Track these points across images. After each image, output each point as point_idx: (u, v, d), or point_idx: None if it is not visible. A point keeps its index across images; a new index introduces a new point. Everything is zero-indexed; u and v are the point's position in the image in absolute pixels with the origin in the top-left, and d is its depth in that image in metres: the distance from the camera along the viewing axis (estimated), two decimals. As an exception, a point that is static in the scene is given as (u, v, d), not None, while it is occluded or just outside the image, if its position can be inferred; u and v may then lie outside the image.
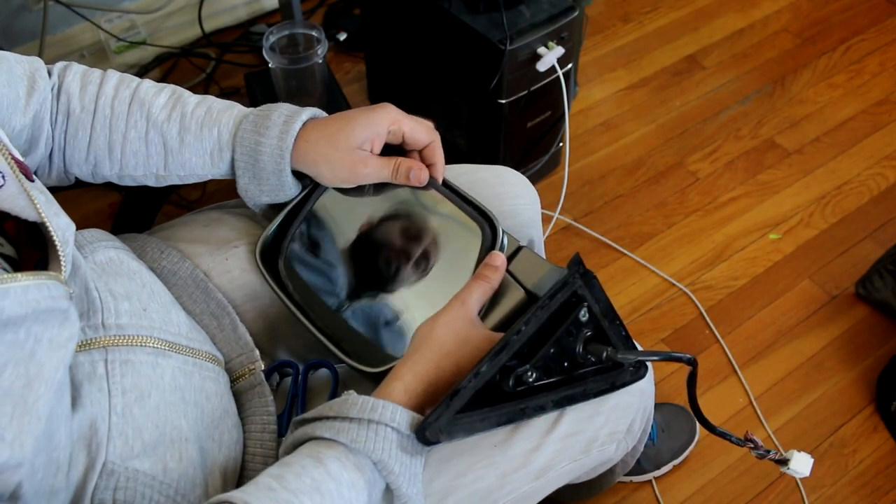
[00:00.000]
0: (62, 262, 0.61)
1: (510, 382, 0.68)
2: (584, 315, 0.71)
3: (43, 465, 0.57)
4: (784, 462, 0.71)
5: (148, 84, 0.82)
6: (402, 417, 0.64)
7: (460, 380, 0.66)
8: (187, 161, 0.81)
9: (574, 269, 0.71)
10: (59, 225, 0.63)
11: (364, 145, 0.78)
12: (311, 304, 0.84)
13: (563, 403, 0.73)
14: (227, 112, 0.81)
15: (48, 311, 0.57)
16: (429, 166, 0.83)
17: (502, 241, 0.78)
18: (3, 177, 0.61)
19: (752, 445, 0.73)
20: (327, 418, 0.64)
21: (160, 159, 0.81)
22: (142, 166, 0.81)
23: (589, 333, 0.72)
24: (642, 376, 0.78)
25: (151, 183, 0.84)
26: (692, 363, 0.69)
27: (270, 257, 0.86)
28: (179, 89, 0.83)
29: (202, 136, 0.80)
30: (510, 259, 0.78)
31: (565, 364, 0.72)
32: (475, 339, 0.70)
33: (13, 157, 0.63)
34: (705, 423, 0.73)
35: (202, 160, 0.81)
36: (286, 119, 0.79)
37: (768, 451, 0.72)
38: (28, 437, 0.54)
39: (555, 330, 0.70)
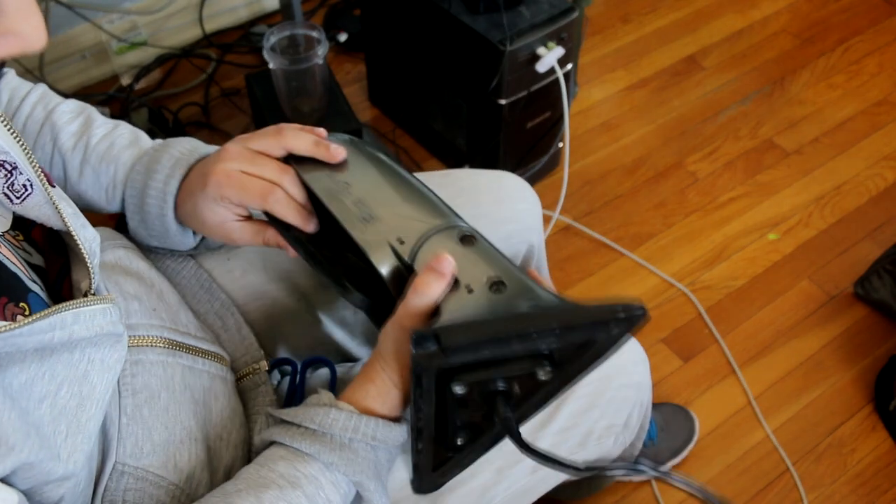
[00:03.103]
0: (91, 273, 0.62)
1: (453, 448, 0.64)
2: (461, 388, 0.58)
3: (84, 478, 0.58)
4: None
5: (65, 107, 0.80)
6: (382, 433, 0.63)
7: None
8: (83, 193, 0.79)
9: (415, 356, 0.55)
10: (87, 237, 0.63)
11: (222, 217, 0.73)
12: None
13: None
14: (129, 150, 0.78)
15: (106, 335, 0.58)
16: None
17: (389, 271, 0.65)
18: (31, 185, 0.62)
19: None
20: (306, 429, 0.63)
21: (61, 185, 0.79)
22: None
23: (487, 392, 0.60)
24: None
25: None
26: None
27: None
28: (94, 116, 0.80)
29: (99, 172, 0.77)
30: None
31: (486, 413, 0.62)
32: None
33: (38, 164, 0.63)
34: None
35: (98, 195, 0.79)
36: (175, 162, 0.75)
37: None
38: (80, 454, 0.55)
39: (445, 410, 0.60)
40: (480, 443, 0.64)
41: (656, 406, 1.34)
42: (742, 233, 1.62)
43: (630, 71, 1.92)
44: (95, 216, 0.68)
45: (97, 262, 0.64)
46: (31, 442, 0.51)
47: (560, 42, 1.38)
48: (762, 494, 1.29)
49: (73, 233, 0.62)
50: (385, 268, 0.65)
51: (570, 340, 0.57)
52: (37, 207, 0.62)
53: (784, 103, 1.85)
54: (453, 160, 1.66)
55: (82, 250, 0.62)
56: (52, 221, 0.62)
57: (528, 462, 0.78)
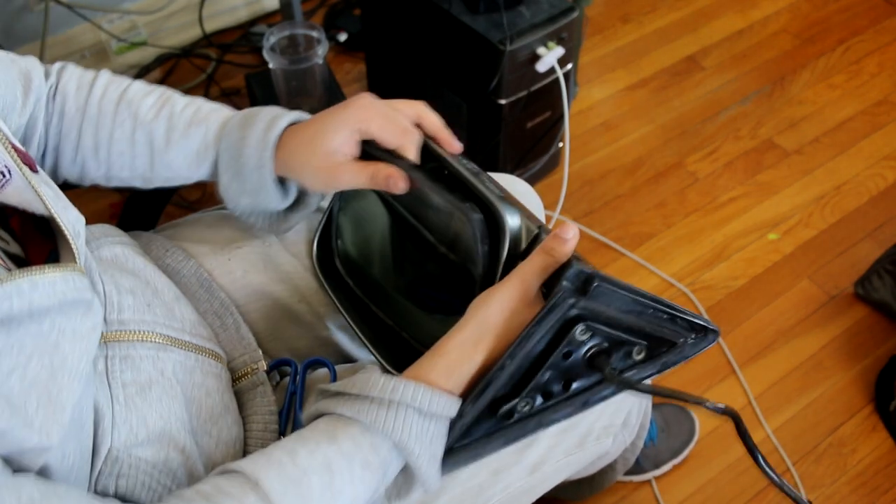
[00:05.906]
0: (76, 254, 0.61)
1: (502, 416, 0.64)
2: (582, 334, 0.62)
3: (73, 451, 0.58)
4: None
5: (138, 85, 0.81)
6: (426, 397, 0.61)
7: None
8: (172, 161, 0.79)
9: (565, 287, 0.59)
10: (69, 219, 0.63)
11: (341, 148, 0.75)
12: (375, 300, 0.82)
13: (566, 417, 0.68)
14: (216, 112, 0.80)
15: (73, 303, 0.57)
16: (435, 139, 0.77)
17: (514, 231, 0.68)
18: (9, 171, 0.61)
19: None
20: (349, 395, 0.63)
21: (146, 159, 0.80)
22: (128, 167, 0.80)
23: (592, 350, 0.64)
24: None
25: (139, 185, 0.83)
26: (731, 414, 0.61)
27: (326, 260, 0.84)
28: (169, 91, 0.82)
29: (189, 134, 0.78)
30: (531, 246, 0.68)
31: (565, 383, 0.65)
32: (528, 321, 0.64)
33: (15, 148, 0.62)
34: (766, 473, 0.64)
35: (187, 160, 0.79)
36: (273, 117, 0.78)
37: None
38: (54, 425, 0.54)
39: (549, 354, 0.62)
40: (520, 426, 0.66)
41: (656, 406, 1.34)
42: (742, 233, 1.62)
43: (630, 71, 1.92)
44: (90, 218, 0.68)
45: (82, 244, 0.63)
46: (1, 410, 0.51)
47: (560, 42, 1.38)
48: (762, 494, 1.29)
49: (56, 215, 0.61)
50: (515, 222, 0.67)
51: (680, 330, 0.67)
52: (17, 193, 0.61)
53: (784, 103, 1.85)
54: (453, 160, 1.65)
55: (65, 231, 0.61)
56: (34, 207, 0.61)
57: (525, 463, 0.78)
